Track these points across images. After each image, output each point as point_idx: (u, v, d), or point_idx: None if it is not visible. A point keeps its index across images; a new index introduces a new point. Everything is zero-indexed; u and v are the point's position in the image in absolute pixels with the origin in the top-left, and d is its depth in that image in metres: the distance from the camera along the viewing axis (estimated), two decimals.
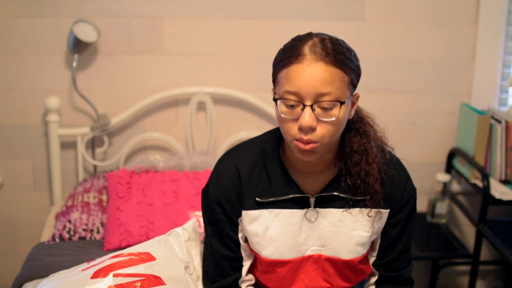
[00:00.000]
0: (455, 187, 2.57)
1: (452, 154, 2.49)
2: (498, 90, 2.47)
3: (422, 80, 2.45)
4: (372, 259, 1.49)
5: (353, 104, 1.32)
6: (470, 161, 2.30)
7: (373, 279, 1.51)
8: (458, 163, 2.45)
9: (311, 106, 1.22)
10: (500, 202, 2.17)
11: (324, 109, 1.23)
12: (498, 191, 2.20)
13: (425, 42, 2.41)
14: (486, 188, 2.17)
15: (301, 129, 1.24)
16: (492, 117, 2.31)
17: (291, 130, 1.26)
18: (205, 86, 2.37)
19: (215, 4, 2.33)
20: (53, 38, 2.31)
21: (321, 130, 1.24)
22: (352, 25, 2.37)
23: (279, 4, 2.34)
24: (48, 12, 2.28)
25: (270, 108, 2.38)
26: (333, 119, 1.24)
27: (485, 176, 2.18)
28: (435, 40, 2.41)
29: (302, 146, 1.25)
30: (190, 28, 2.35)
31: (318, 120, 1.23)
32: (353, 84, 1.28)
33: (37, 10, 2.28)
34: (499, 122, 2.28)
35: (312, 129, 1.23)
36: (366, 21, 2.38)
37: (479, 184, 2.27)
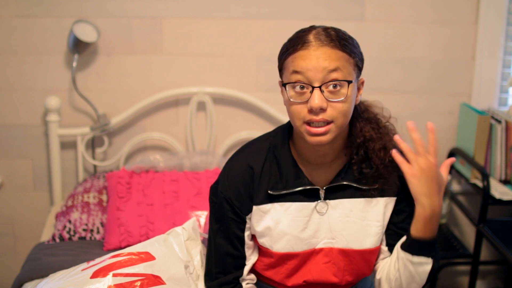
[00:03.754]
0: (455, 187, 2.57)
1: (452, 154, 2.48)
2: (498, 90, 2.47)
3: (422, 80, 2.45)
4: (385, 248, 1.48)
5: (359, 89, 1.35)
6: (470, 161, 2.30)
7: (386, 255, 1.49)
8: (458, 163, 2.45)
9: (320, 87, 1.25)
10: (500, 202, 2.17)
11: (333, 89, 1.26)
12: (498, 191, 2.20)
13: (425, 42, 2.41)
14: (486, 188, 2.17)
15: (311, 111, 1.26)
16: (492, 117, 2.31)
17: (301, 113, 1.28)
18: (205, 86, 2.37)
19: (215, 4, 2.33)
20: (53, 38, 2.31)
21: (332, 111, 1.27)
22: (352, 25, 2.37)
23: (279, 4, 2.34)
24: (48, 12, 2.28)
25: (270, 108, 2.38)
26: (342, 98, 1.26)
27: (485, 176, 2.18)
28: (435, 40, 2.41)
29: (314, 130, 1.27)
30: (190, 28, 2.35)
31: (328, 101, 1.26)
32: (358, 68, 1.32)
33: (37, 10, 2.28)
34: (499, 122, 2.28)
35: (322, 110, 1.26)
36: (366, 21, 2.38)
37: (479, 184, 2.26)
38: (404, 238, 1.43)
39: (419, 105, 2.48)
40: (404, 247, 1.39)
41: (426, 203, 1.31)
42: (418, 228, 1.35)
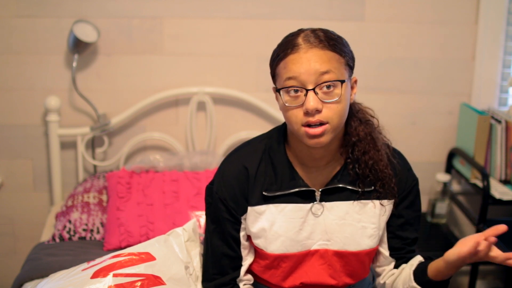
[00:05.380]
0: (455, 187, 2.57)
1: (452, 154, 2.49)
2: (498, 90, 2.47)
3: (422, 80, 2.45)
4: (386, 252, 1.50)
5: (352, 88, 1.36)
6: (470, 161, 2.30)
7: (391, 266, 1.52)
8: (458, 163, 2.45)
9: (314, 89, 1.25)
10: (500, 202, 2.17)
11: (327, 90, 1.27)
12: (498, 191, 2.20)
13: (425, 42, 2.41)
14: (486, 188, 2.17)
15: (307, 113, 1.26)
16: (492, 117, 2.31)
17: (297, 117, 1.28)
18: (205, 86, 2.37)
19: (215, 4, 2.33)
20: (53, 38, 2.31)
21: (327, 112, 1.27)
22: (352, 25, 2.37)
23: (279, 4, 2.34)
24: (48, 12, 2.28)
25: (270, 108, 2.38)
26: (337, 98, 1.27)
27: (485, 176, 2.18)
28: (435, 40, 2.41)
29: (311, 131, 1.27)
30: (190, 28, 2.35)
31: (323, 103, 1.27)
32: (350, 66, 1.33)
33: (37, 10, 2.28)
34: (499, 122, 2.28)
35: (318, 111, 1.26)
36: (366, 21, 2.38)
37: (479, 184, 2.27)
38: (418, 262, 1.45)
39: (419, 105, 2.48)
40: (417, 280, 1.41)
41: (454, 265, 1.33)
42: (434, 274, 1.37)
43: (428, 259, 1.47)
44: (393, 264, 1.51)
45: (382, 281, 1.54)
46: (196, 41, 2.36)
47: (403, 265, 1.50)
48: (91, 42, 2.22)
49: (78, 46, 2.22)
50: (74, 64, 2.26)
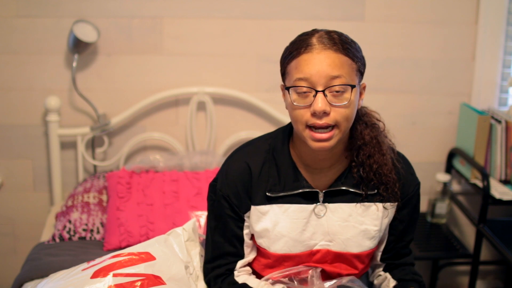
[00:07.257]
0: (455, 187, 2.57)
1: (452, 154, 2.49)
2: (498, 90, 2.47)
3: (422, 80, 2.46)
4: (379, 254, 1.52)
5: (360, 93, 1.36)
6: (470, 161, 2.30)
7: (379, 269, 1.55)
8: (458, 163, 2.45)
9: (323, 91, 1.25)
10: (500, 202, 2.17)
11: (336, 94, 1.26)
12: (498, 191, 2.20)
13: (425, 42, 2.41)
14: (486, 188, 2.17)
15: (314, 114, 1.26)
16: (492, 117, 2.31)
17: (304, 117, 1.28)
18: (205, 86, 2.37)
19: (215, 4, 2.33)
20: (53, 38, 2.31)
21: (335, 115, 1.27)
22: (352, 25, 2.37)
23: (279, 4, 2.34)
24: (48, 12, 2.28)
25: (270, 108, 2.38)
26: (345, 103, 1.27)
27: (485, 176, 2.18)
28: (435, 40, 2.41)
29: (318, 136, 1.27)
30: (190, 28, 2.35)
31: (331, 105, 1.26)
32: (361, 72, 1.33)
33: (37, 10, 2.28)
34: (499, 122, 2.28)
35: (325, 114, 1.26)
36: (366, 21, 2.38)
37: (479, 184, 2.27)
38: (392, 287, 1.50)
39: (419, 105, 2.48)
40: None
41: None
42: None
43: (400, 282, 1.51)
44: (383, 266, 1.55)
45: (371, 280, 1.58)
46: (196, 41, 2.36)
47: (386, 274, 1.53)
48: (91, 42, 2.22)
49: (78, 46, 2.22)
50: (74, 64, 2.26)
